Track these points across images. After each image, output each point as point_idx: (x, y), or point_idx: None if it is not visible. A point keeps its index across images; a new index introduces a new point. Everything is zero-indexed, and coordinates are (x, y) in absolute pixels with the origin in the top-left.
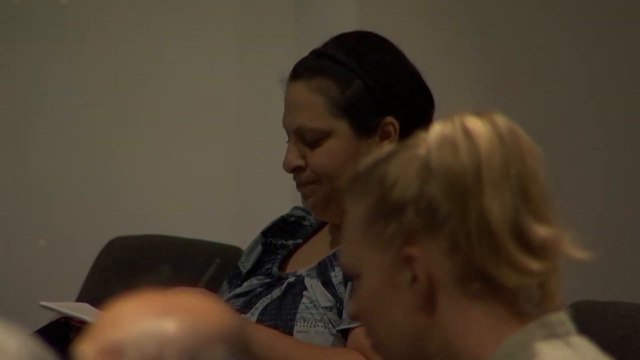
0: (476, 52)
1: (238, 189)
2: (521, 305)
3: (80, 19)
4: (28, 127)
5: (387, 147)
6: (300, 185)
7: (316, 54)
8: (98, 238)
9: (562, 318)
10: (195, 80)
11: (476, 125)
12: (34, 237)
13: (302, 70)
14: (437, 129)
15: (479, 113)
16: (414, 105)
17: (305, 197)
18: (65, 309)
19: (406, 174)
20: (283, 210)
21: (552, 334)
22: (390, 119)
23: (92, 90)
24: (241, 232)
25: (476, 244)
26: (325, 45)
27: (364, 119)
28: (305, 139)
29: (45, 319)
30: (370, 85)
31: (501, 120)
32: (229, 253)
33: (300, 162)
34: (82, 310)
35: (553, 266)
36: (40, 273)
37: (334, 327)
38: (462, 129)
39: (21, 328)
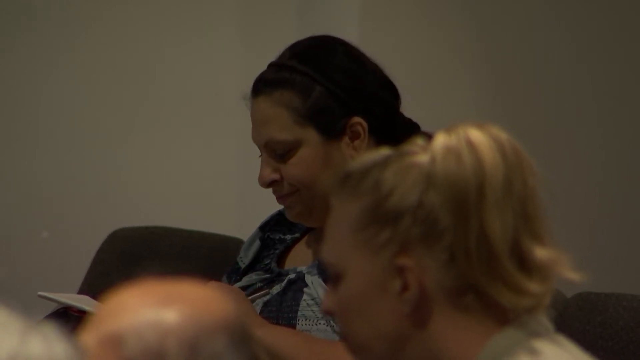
0: (477, 53)
1: (240, 181)
2: (510, 315)
3: (83, 14)
4: (30, 119)
5: (381, 150)
6: (280, 199)
7: (273, 66)
8: (100, 230)
9: (540, 318)
10: (198, 75)
11: (480, 139)
12: (37, 229)
13: (262, 85)
14: (440, 139)
15: (482, 126)
16: (378, 101)
17: (288, 209)
18: (64, 298)
19: (405, 181)
20: None
21: (535, 334)
22: (356, 119)
23: (94, 84)
24: (243, 224)
25: (475, 260)
26: (281, 56)
27: (330, 123)
28: (276, 152)
29: (45, 311)
30: (331, 89)
31: (504, 137)
32: (231, 245)
33: (275, 176)
34: (81, 301)
35: (550, 287)
36: (43, 265)
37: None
38: (466, 141)
39: (24, 320)
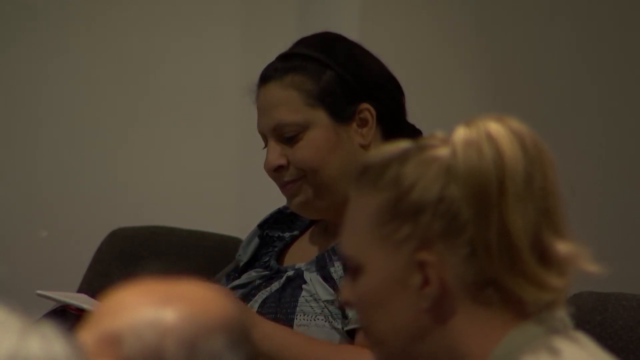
0: (477, 52)
1: (239, 180)
2: (528, 309)
3: (83, 14)
4: (30, 119)
5: (400, 143)
6: (284, 186)
7: (284, 56)
8: (99, 229)
9: (559, 313)
10: (198, 75)
11: (500, 131)
12: (36, 228)
13: (272, 72)
14: (461, 132)
15: (501, 119)
16: (386, 91)
17: (291, 197)
18: (62, 297)
19: (426, 175)
20: (284, 201)
21: (553, 330)
22: (365, 105)
23: (94, 84)
24: (243, 224)
25: (496, 254)
26: (292, 47)
27: (340, 107)
28: (284, 135)
29: (44, 309)
30: (342, 74)
31: (524, 129)
32: (230, 244)
33: (282, 161)
34: (79, 300)
35: (569, 281)
36: (42, 264)
37: (334, 320)
38: (486, 134)
39: (23, 319)
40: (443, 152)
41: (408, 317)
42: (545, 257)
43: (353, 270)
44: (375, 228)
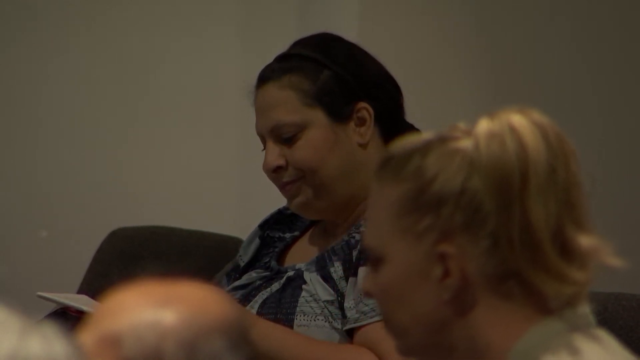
0: (477, 52)
1: (239, 180)
2: (550, 303)
3: (83, 14)
4: (30, 119)
5: (423, 134)
6: (283, 187)
7: (281, 57)
8: (100, 229)
9: (582, 310)
10: (198, 75)
11: (523, 124)
12: (36, 228)
13: (270, 73)
14: (484, 124)
15: (524, 111)
16: (383, 90)
17: (290, 198)
18: (62, 299)
19: (448, 167)
20: (285, 201)
21: (575, 327)
22: (363, 104)
23: (94, 84)
24: (243, 224)
25: (517, 247)
26: (289, 48)
27: (337, 106)
28: (282, 136)
29: (44, 311)
30: (339, 73)
31: (547, 122)
32: (230, 244)
33: (281, 162)
34: (80, 301)
35: (592, 275)
36: (42, 264)
37: (334, 320)
38: (509, 126)
39: (24, 319)
40: (466, 144)
41: (429, 309)
42: (567, 251)
43: (374, 261)
44: (396, 219)
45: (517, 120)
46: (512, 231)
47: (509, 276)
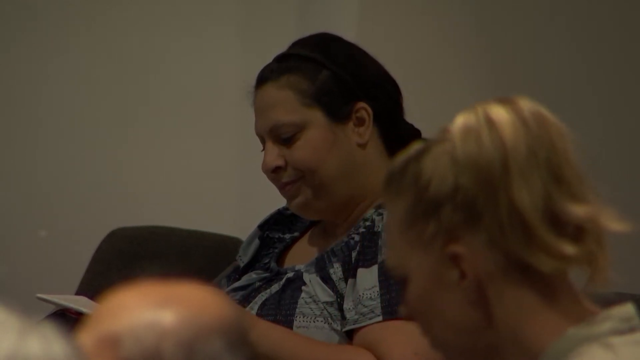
0: (477, 52)
1: (239, 181)
2: (571, 285)
3: (83, 14)
4: (29, 119)
5: (415, 144)
6: (282, 187)
7: (280, 57)
8: (99, 229)
9: (626, 312)
10: (198, 75)
11: (499, 113)
12: (35, 228)
13: (268, 73)
14: (459, 121)
15: (502, 100)
16: (382, 90)
17: (290, 199)
18: (62, 300)
19: (438, 169)
20: (284, 201)
21: (616, 330)
22: (362, 104)
23: (94, 84)
24: (243, 224)
25: (510, 234)
26: (288, 48)
27: (336, 106)
28: (281, 136)
29: (43, 311)
30: (338, 73)
31: (526, 105)
32: (230, 244)
33: (280, 162)
34: (79, 303)
35: (594, 245)
36: (41, 264)
37: (334, 321)
38: (484, 118)
39: (23, 319)
40: (448, 144)
41: (459, 314)
42: (561, 226)
43: (402, 281)
44: (405, 233)
45: (493, 110)
46: (502, 219)
47: (516, 266)
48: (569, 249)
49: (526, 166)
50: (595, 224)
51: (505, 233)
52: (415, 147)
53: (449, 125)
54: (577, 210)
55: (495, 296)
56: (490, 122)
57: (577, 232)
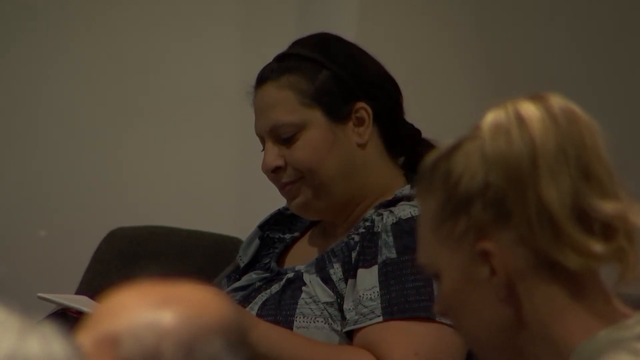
0: (477, 52)
1: (239, 181)
2: (602, 284)
3: (83, 14)
4: (29, 119)
5: (447, 141)
6: (282, 187)
7: (279, 57)
8: (99, 229)
9: None
10: (198, 75)
11: (529, 110)
12: (35, 228)
13: (268, 73)
14: (489, 117)
15: (533, 97)
16: (382, 90)
17: (290, 199)
18: (63, 300)
19: (469, 166)
20: (284, 201)
21: None
22: (361, 104)
23: (94, 84)
24: (242, 224)
25: (538, 231)
26: (287, 48)
27: (336, 106)
28: (281, 136)
29: (44, 311)
30: (337, 73)
31: (556, 102)
32: (230, 244)
33: (279, 162)
34: (80, 302)
35: (624, 242)
36: (41, 264)
37: (334, 322)
38: (514, 115)
39: (23, 319)
40: (478, 141)
41: (489, 311)
42: (590, 224)
43: (435, 279)
44: (436, 230)
45: (523, 107)
46: (530, 216)
47: (545, 263)
48: (597, 246)
49: (555, 163)
50: (625, 221)
51: (533, 230)
52: (446, 144)
53: (479, 122)
54: (606, 208)
55: (525, 293)
56: (520, 119)
57: (607, 229)
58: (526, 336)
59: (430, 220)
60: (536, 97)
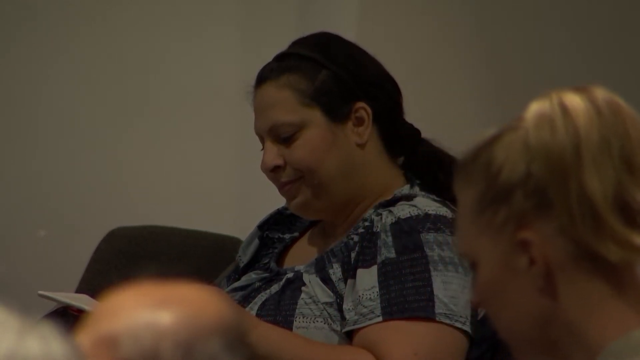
0: (477, 52)
1: (239, 181)
2: (638, 279)
3: (83, 14)
4: (29, 119)
5: (488, 130)
6: (282, 187)
7: (279, 56)
8: (98, 228)
9: None
10: (198, 74)
11: (573, 101)
12: (35, 228)
13: (268, 72)
14: (533, 108)
15: (578, 88)
16: (382, 90)
17: (290, 199)
18: (63, 298)
19: (511, 156)
20: (284, 201)
21: None
22: (361, 104)
23: (94, 83)
24: (242, 224)
25: (579, 221)
26: (288, 47)
27: (335, 105)
28: (280, 136)
29: (45, 310)
30: (337, 73)
31: (601, 94)
32: (229, 244)
33: (279, 161)
34: (80, 300)
35: None
36: (41, 264)
37: (333, 322)
38: (559, 105)
39: (22, 319)
40: (521, 131)
41: (526, 303)
42: (632, 216)
43: (471, 269)
44: (476, 219)
45: (568, 98)
46: (572, 206)
47: (585, 255)
48: (638, 239)
49: (598, 154)
50: None
51: (574, 220)
52: (485, 134)
53: (522, 113)
54: None
55: (563, 284)
56: (564, 110)
57: None
58: (560, 330)
59: (470, 209)
60: (581, 89)
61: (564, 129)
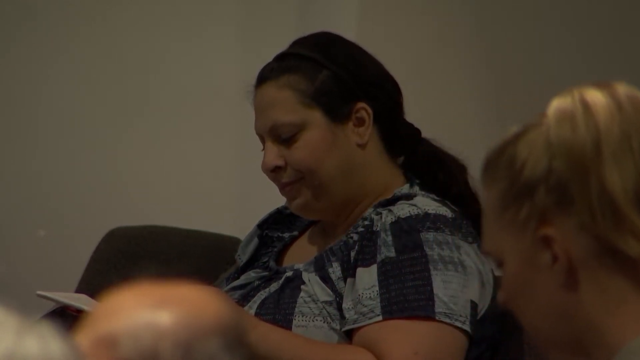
0: (477, 52)
1: (238, 180)
2: None
3: (83, 14)
4: (29, 119)
5: (512, 128)
6: (283, 187)
7: (280, 56)
8: (98, 228)
9: None
10: (197, 74)
11: (595, 97)
12: (34, 227)
13: (268, 72)
14: (555, 104)
15: (599, 84)
16: (382, 90)
17: (290, 199)
18: (62, 298)
19: (533, 152)
20: (284, 200)
21: None
22: (361, 104)
23: (94, 83)
24: (241, 223)
25: (600, 217)
26: (288, 47)
27: (336, 106)
28: (281, 136)
29: (43, 310)
30: (337, 73)
31: (623, 90)
32: (229, 244)
33: (279, 162)
34: (79, 300)
35: None
36: (40, 263)
37: (333, 321)
38: (580, 101)
39: (21, 319)
40: (543, 127)
41: (551, 298)
42: None
43: (499, 266)
44: (500, 216)
45: (589, 94)
46: (592, 202)
47: (607, 251)
48: None
49: (619, 150)
50: None
51: (595, 216)
52: (511, 131)
53: (546, 109)
54: None
55: (585, 281)
56: (585, 105)
57: None
58: (581, 326)
59: (494, 207)
60: (602, 84)
61: (585, 124)
